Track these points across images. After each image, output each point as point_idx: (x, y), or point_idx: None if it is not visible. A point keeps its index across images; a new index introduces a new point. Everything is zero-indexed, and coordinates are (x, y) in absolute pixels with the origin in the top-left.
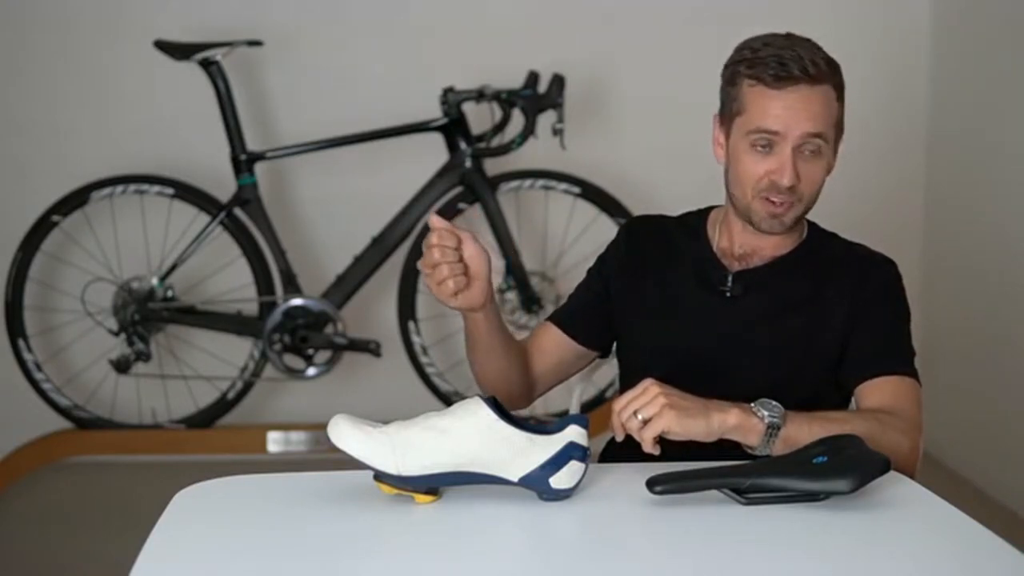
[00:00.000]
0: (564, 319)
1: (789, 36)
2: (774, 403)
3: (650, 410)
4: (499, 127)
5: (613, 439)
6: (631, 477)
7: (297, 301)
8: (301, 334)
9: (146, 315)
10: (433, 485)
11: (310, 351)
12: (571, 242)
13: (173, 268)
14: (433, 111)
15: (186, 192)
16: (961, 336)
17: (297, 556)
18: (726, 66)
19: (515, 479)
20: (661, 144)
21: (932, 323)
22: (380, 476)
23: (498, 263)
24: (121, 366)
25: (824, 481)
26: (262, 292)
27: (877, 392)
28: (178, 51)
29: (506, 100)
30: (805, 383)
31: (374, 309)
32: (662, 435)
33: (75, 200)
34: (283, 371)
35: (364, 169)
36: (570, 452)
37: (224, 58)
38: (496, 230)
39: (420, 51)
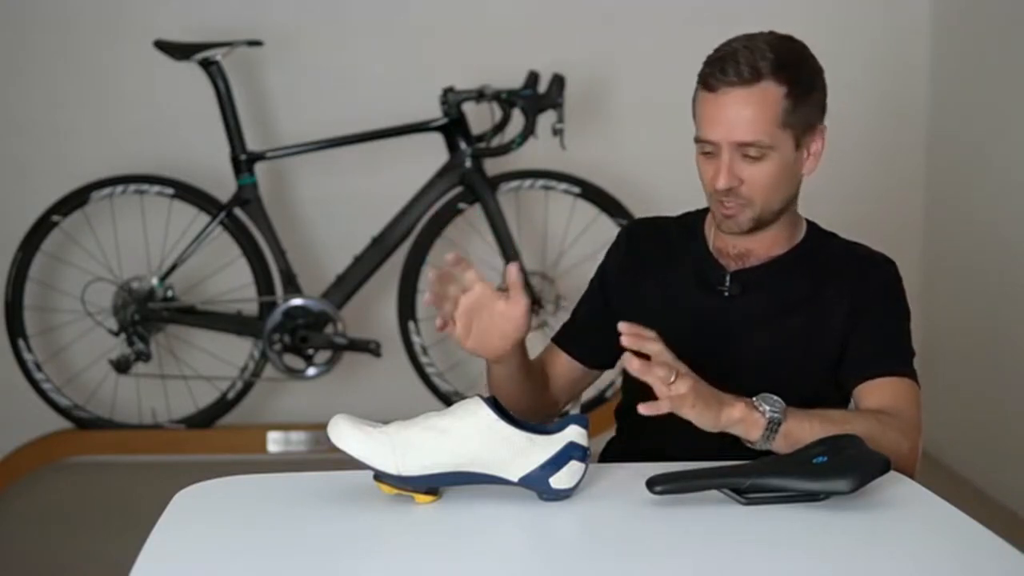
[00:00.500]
0: (569, 343)
1: (750, 37)
2: (776, 398)
3: (678, 388)
4: (499, 127)
5: (613, 439)
6: (631, 477)
7: (297, 301)
8: (301, 334)
9: (146, 315)
10: (433, 485)
11: (310, 351)
12: (571, 242)
13: (173, 268)
14: (433, 111)
15: (186, 192)
16: (961, 336)
17: (297, 556)
18: None
19: (515, 479)
20: (661, 144)
21: (932, 323)
22: (380, 476)
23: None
24: (121, 366)
25: (824, 481)
26: (262, 292)
27: (876, 392)
28: (178, 51)
29: (506, 100)
30: (805, 383)
31: (374, 309)
32: (672, 409)
33: (75, 200)
34: (283, 371)
35: (364, 169)
36: (570, 452)
37: (224, 58)
38: (496, 230)
39: (420, 51)
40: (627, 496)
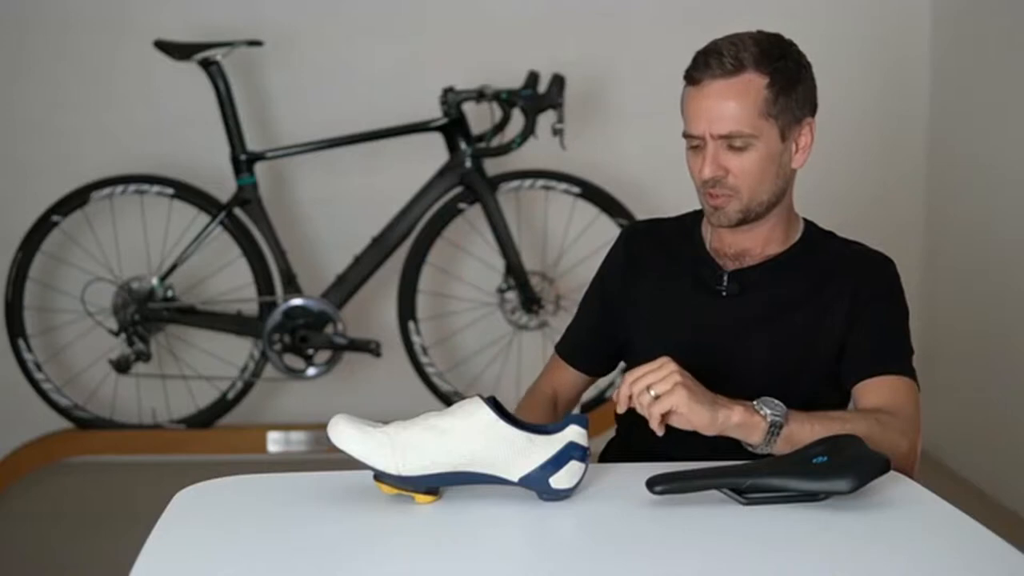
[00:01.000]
0: (576, 358)
1: (736, 34)
2: (776, 402)
3: (663, 387)
4: (499, 127)
5: (613, 439)
6: (631, 477)
7: (297, 301)
8: (301, 334)
9: (146, 315)
10: (433, 485)
11: (310, 351)
12: (571, 242)
13: (173, 268)
14: (433, 111)
15: (186, 192)
16: (961, 336)
17: (297, 556)
18: None
19: (515, 479)
20: (661, 144)
21: (932, 323)
22: (380, 476)
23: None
24: (121, 366)
25: (824, 481)
26: (262, 292)
27: (875, 392)
28: (178, 51)
29: (506, 100)
30: (804, 382)
31: (374, 309)
32: (666, 415)
33: (75, 200)
34: (283, 371)
35: (364, 169)
36: (570, 452)
37: (224, 58)
38: (496, 230)
39: (420, 51)
40: (627, 496)
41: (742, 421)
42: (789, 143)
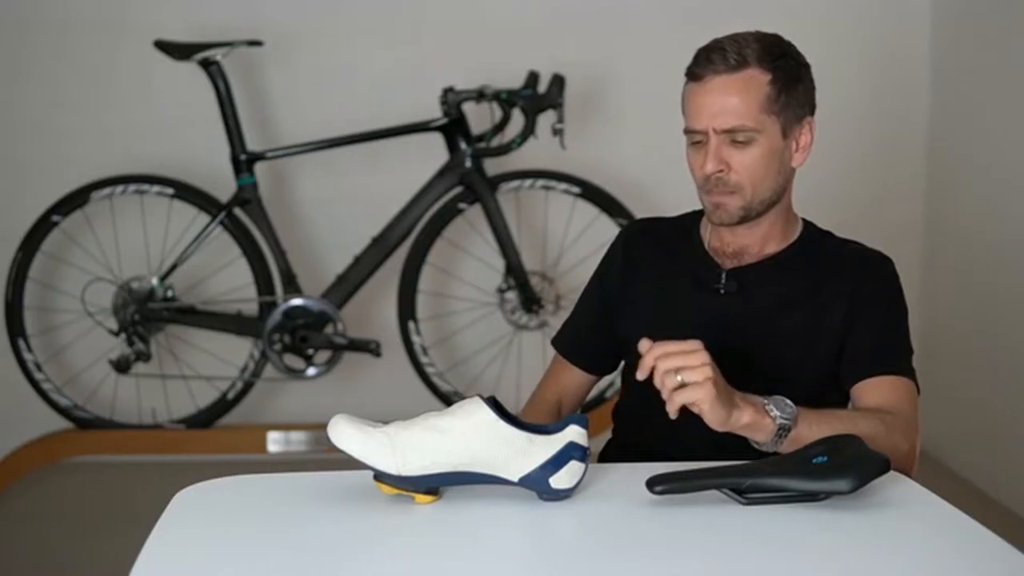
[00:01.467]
0: (578, 356)
1: (736, 33)
2: (788, 403)
3: (693, 376)
4: (499, 127)
5: (611, 440)
6: (631, 477)
7: (297, 301)
8: (301, 334)
9: (146, 315)
10: (433, 485)
11: (310, 351)
12: (571, 242)
13: (173, 268)
14: (433, 111)
15: (186, 192)
16: (961, 336)
17: (297, 556)
18: None
19: (515, 479)
20: (661, 144)
21: (931, 323)
22: (380, 476)
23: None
24: (121, 366)
25: (824, 481)
26: (262, 292)
27: (875, 392)
28: (178, 51)
29: (506, 100)
30: (802, 380)
31: (374, 309)
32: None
33: (75, 200)
34: (283, 371)
35: (364, 169)
36: (570, 452)
37: (224, 58)
38: (496, 230)
39: (420, 51)
40: (627, 496)
41: (751, 422)
42: (790, 141)
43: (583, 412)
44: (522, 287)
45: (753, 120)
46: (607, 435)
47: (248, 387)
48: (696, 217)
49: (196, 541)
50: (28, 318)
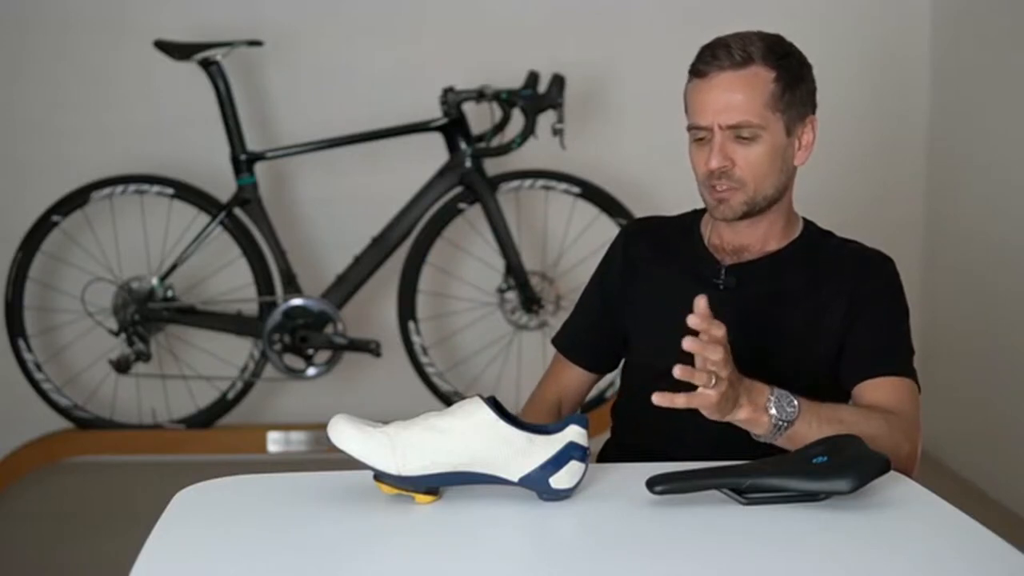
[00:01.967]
0: (572, 350)
1: (739, 32)
2: (792, 399)
3: (717, 383)
4: (499, 127)
5: (609, 440)
6: (631, 477)
7: (297, 301)
8: (301, 334)
9: (146, 315)
10: (433, 485)
11: (310, 351)
12: (571, 242)
13: (173, 268)
14: (433, 111)
15: (186, 192)
16: (961, 336)
17: (297, 556)
18: None
19: (515, 479)
20: (661, 144)
21: (932, 323)
22: (380, 476)
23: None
24: (121, 366)
25: (824, 481)
26: (262, 292)
27: (875, 392)
28: (178, 51)
29: (506, 100)
30: (802, 378)
31: (374, 309)
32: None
33: (75, 200)
34: (283, 371)
35: (364, 169)
36: (570, 452)
37: (224, 58)
38: (496, 230)
39: (420, 51)
40: (627, 496)
41: (747, 418)
42: (793, 139)
43: (583, 412)
44: (522, 287)
45: (758, 116)
46: (607, 435)
47: (248, 387)
48: (696, 216)
49: (196, 541)
50: (28, 318)
